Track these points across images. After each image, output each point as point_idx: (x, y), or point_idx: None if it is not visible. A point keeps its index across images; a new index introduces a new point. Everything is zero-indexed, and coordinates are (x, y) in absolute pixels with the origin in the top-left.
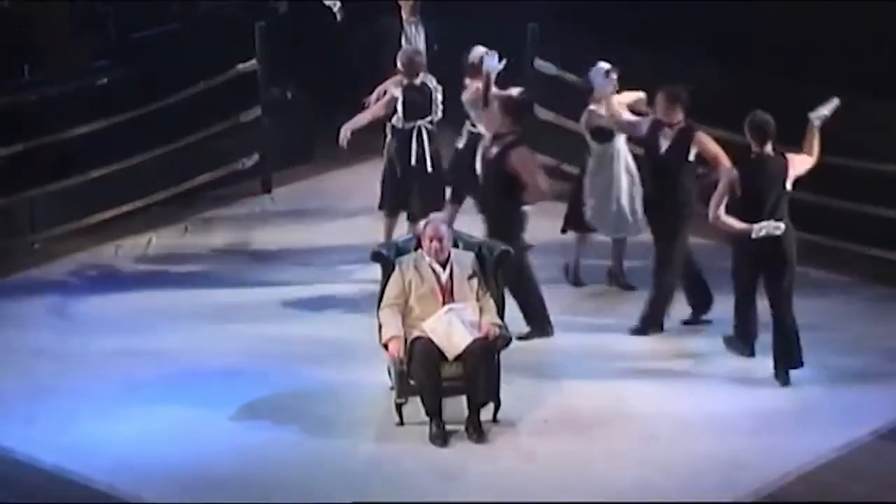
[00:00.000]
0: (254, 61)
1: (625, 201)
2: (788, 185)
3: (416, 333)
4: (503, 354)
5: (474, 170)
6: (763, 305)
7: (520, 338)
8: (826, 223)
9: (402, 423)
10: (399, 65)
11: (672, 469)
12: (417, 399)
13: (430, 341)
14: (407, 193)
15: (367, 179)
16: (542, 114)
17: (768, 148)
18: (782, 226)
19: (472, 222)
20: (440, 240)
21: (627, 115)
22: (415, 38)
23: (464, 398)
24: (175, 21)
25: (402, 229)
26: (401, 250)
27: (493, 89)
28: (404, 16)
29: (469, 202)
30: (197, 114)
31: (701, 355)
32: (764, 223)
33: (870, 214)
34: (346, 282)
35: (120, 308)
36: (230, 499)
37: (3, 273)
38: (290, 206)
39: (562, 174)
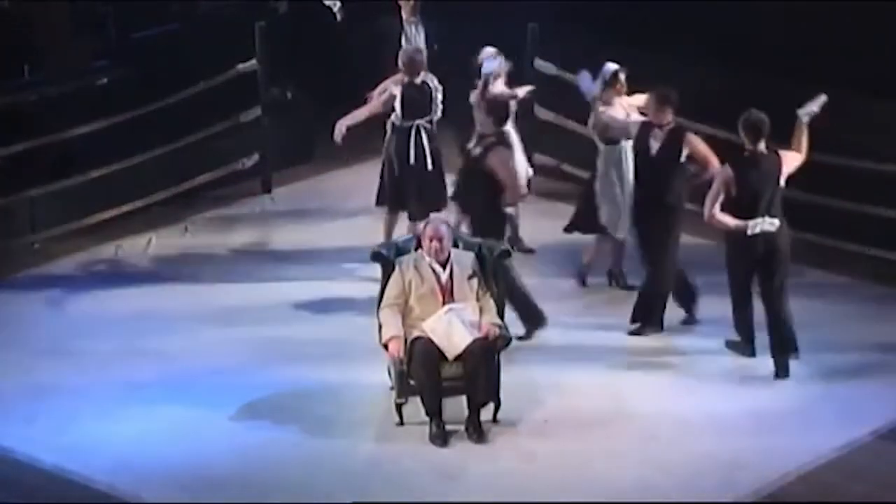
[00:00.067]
0: (254, 61)
1: (631, 202)
2: (782, 182)
3: (416, 333)
4: (503, 354)
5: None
6: (758, 303)
7: (519, 338)
8: (826, 223)
9: (402, 423)
10: (400, 63)
11: (672, 469)
12: (417, 399)
13: (430, 341)
14: (404, 191)
15: (367, 179)
16: (543, 114)
17: (762, 146)
18: (777, 222)
19: None
20: (440, 240)
21: (632, 116)
22: (415, 38)
23: (464, 398)
24: (175, 21)
25: (402, 229)
26: (401, 250)
27: (497, 89)
28: (404, 16)
29: None
30: (197, 114)
31: (701, 355)
32: (759, 220)
33: (870, 214)
34: (346, 282)
35: (120, 308)
36: (230, 499)
37: (3, 273)
38: (290, 206)
39: (562, 174)
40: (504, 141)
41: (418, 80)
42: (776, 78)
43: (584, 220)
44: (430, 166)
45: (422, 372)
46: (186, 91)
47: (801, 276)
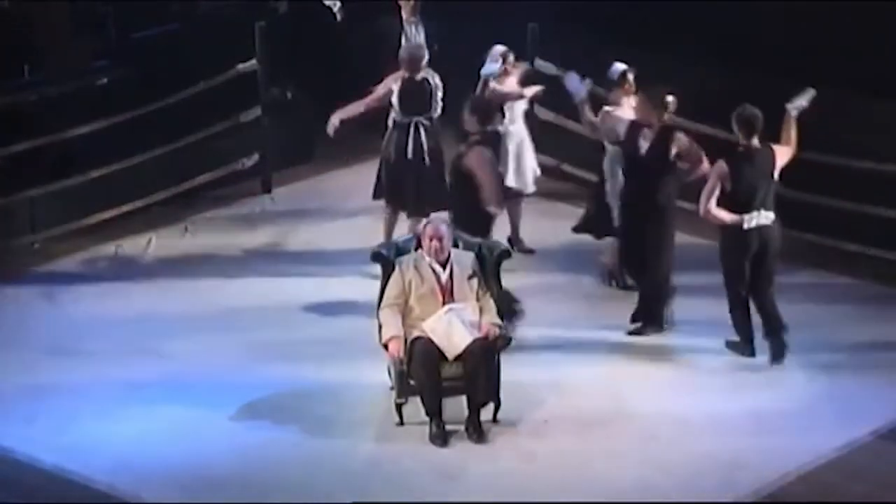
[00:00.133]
0: (254, 61)
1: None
2: (775, 176)
3: (416, 333)
4: (503, 354)
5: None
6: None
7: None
8: (826, 223)
9: (402, 423)
10: (401, 59)
11: (672, 469)
12: (417, 399)
13: (430, 341)
14: (402, 186)
15: (367, 179)
16: (543, 114)
17: (755, 141)
18: (772, 215)
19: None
20: (440, 239)
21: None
22: (415, 37)
23: (464, 398)
24: (175, 21)
25: (402, 229)
26: (401, 250)
27: (505, 89)
28: (404, 16)
29: None
30: (197, 114)
31: (701, 355)
32: (755, 214)
33: (870, 214)
34: (346, 282)
35: (120, 308)
36: (230, 499)
37: (3, 273)
38: (290, 206)
39: (562, 174)
40: (488, 141)
41: (418, 77)
42: (776, 78)
43: (597, 224)
44: (427, 163)
45: (422, 372)
46: (186, 91)
47: (805, 277)
